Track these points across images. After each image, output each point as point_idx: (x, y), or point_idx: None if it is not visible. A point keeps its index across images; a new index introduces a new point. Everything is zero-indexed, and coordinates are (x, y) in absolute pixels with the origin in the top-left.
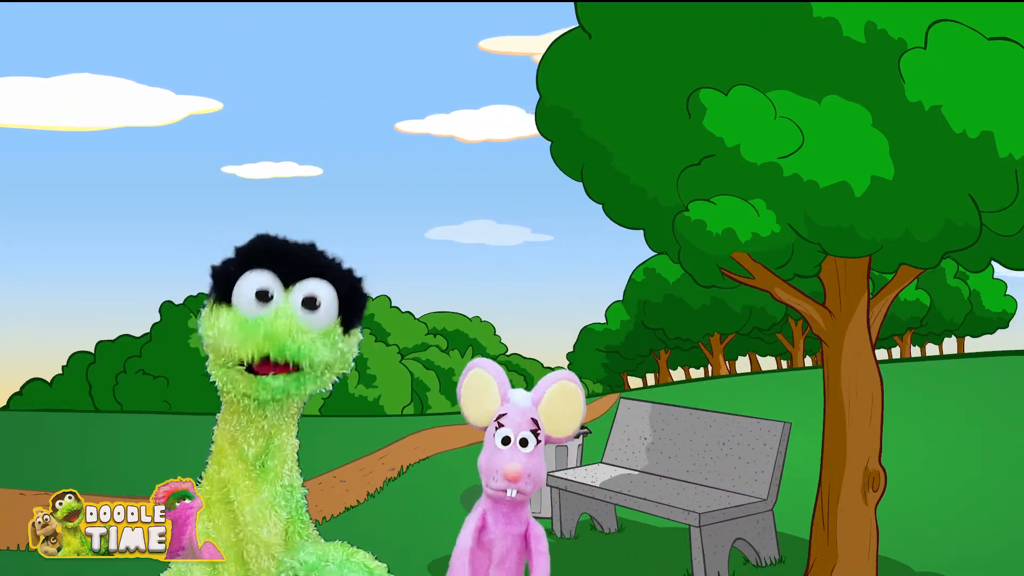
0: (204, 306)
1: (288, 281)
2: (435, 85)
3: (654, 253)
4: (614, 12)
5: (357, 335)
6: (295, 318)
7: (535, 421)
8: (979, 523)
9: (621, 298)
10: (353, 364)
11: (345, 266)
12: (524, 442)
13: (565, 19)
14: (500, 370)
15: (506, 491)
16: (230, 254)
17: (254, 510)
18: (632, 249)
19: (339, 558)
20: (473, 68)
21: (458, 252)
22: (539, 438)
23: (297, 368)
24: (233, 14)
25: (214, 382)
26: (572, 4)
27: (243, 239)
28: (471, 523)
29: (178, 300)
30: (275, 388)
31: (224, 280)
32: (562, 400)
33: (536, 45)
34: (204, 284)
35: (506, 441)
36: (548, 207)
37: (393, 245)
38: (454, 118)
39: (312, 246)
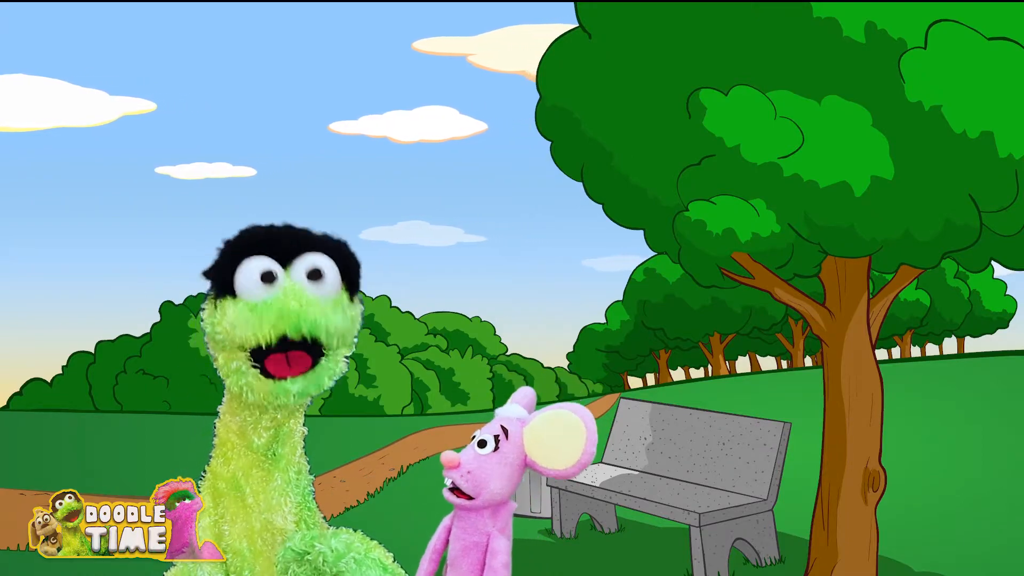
0: (203, 308)
1: (285, 260)
2: (368, 86)
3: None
4: (614, 12)
5: (359, 303)
6: (303, 291)
7: (504, 429)
8: (979, 523)
9: (621, 298)
10: (354, 364)
11: (333, 236)
12: (482, 443)
13: (501, 20)
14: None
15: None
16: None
17: (268, 498)
18: (570, 249)
19: (360, 551)
20: (407, 69)
21: (392, 253)
22: (499, 445)
23: (316, 344)
24: (167, 15)
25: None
26: (514, 4)
27: (179, 240)
28: (443, 522)
29: (178, 300)
30: (295, 393)
31: (222, 274)
32: (552, 426)
33: (470, 46)
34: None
35: (482, 444)
36: (481, 208)
37: None
38: (388, 119)
39: (293, 227)
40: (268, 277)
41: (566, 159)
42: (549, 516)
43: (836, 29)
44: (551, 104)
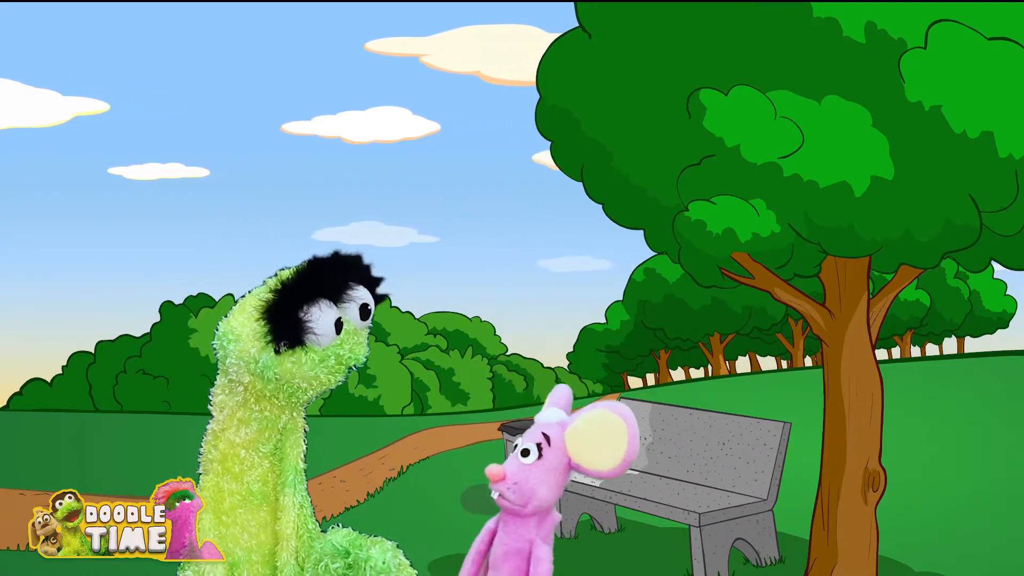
0: (259, 354)
1: (338, 298)
2: (321, 86)
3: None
4: (614, 12)
5: None
6: (358, 333)
7: (546, 436)
8: (979, 523)
9: (620, 298)
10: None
11: (362, 259)
12: (525, 452)
13: (453, 20)
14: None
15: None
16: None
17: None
18: (525, 250)
19: (366, 544)
20: (359, 69)
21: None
22: (542, 452)
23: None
24: (121, 14)
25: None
26: (467, 5)
27: (131, 241)
28: (487, 524)
29: (178, 300)
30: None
31: (291, 326)
32: (594, 427)
33: (423, 46)
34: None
35: (525, 453)
36: (434, 208)
37: (280, 247)
38: (340, 119)
39: (332, 259)
40: (340, 327)
41: (566, 159)
42: None
43: (836, 29)
44: (551, 104)
